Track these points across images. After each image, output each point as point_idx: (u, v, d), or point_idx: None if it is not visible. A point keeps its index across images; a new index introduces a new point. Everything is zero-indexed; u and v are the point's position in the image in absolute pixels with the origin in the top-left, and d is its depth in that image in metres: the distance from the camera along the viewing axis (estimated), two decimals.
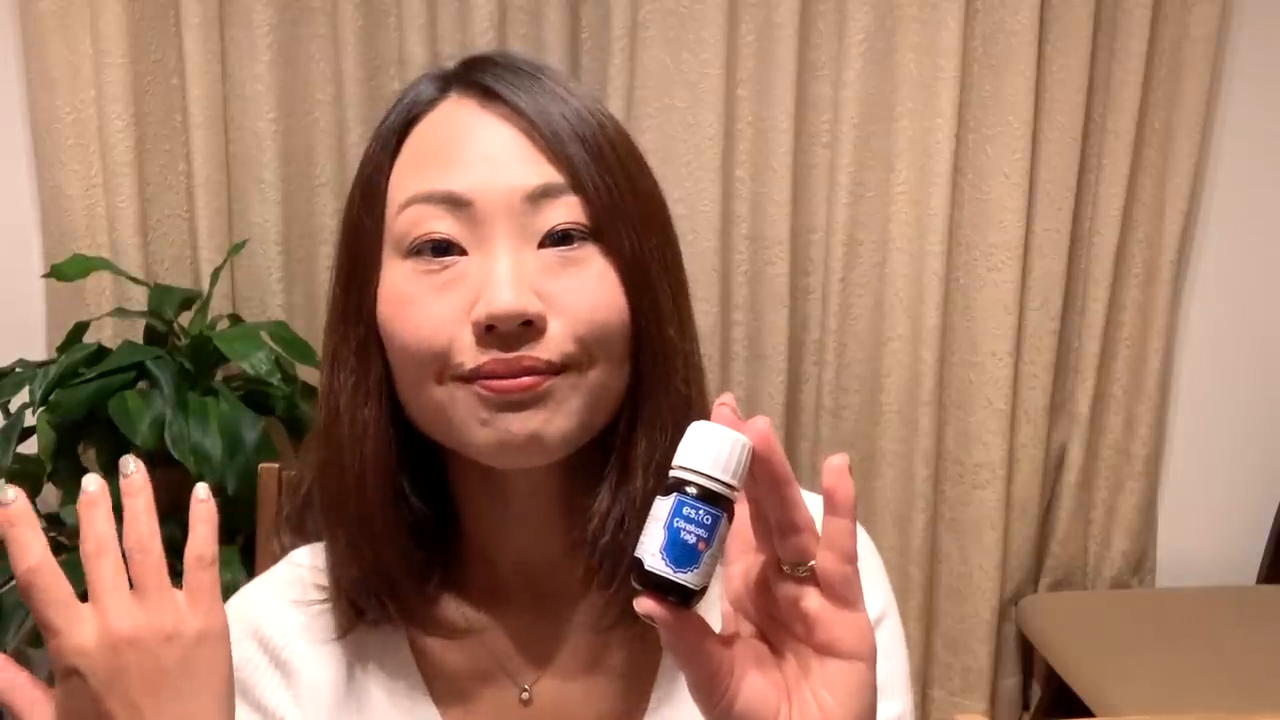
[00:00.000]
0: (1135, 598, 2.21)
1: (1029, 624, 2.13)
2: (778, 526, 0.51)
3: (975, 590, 2.19)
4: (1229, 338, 2.26)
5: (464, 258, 0.63)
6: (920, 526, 2.16)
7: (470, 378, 0.63)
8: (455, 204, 0.63)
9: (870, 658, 0.52)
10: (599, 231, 0.64)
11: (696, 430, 0.50)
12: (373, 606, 0.69)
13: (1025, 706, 2.32)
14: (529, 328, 0.62)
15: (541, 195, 0.63)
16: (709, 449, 0.50)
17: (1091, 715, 1.83)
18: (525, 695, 0.71)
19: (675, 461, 0.51)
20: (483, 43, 1.94)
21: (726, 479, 0.49)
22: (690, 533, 0.49)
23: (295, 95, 2.01)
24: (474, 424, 0.64)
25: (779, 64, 1.99)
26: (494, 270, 0.62)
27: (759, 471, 0.50)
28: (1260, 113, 2.17)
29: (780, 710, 0.52)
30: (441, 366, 0.63)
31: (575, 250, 0.64)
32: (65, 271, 1.85)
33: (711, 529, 0.49)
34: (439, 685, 0.71)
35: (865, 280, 2.13)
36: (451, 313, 0.63)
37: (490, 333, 0.62)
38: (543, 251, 0.63)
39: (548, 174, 0.64)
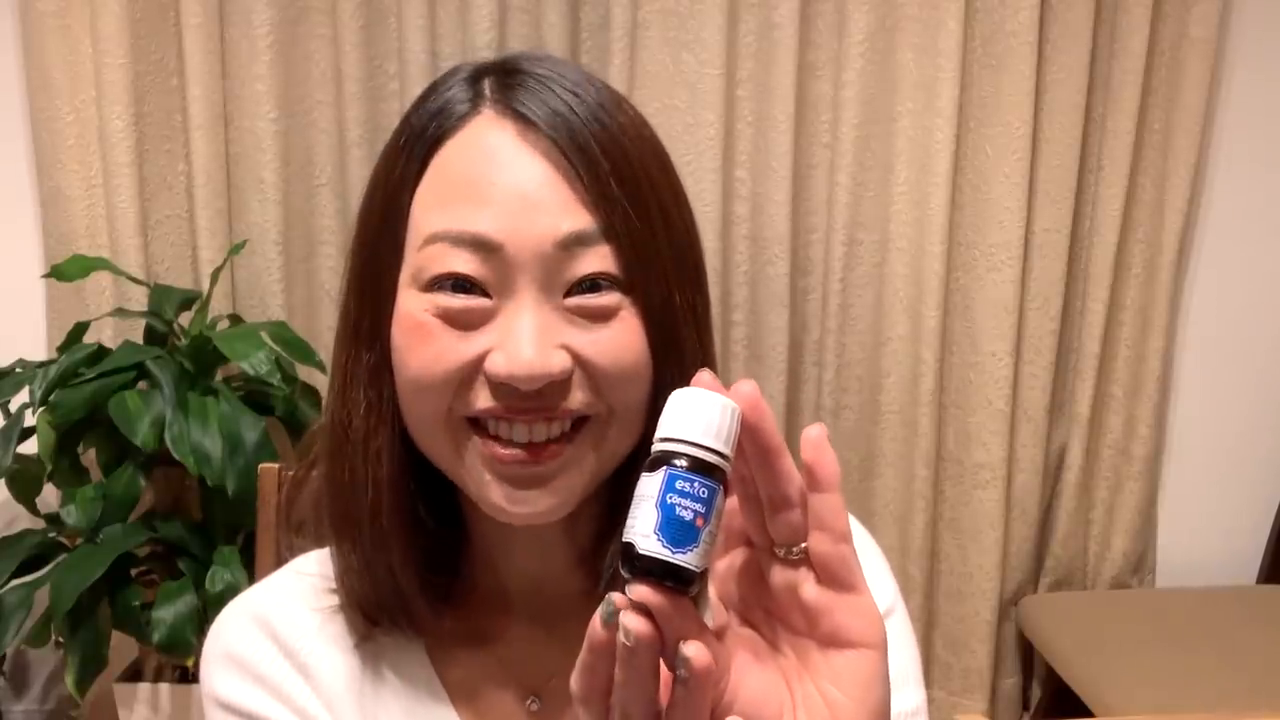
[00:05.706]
0: (1135, 598, 2.21)
1: (1029, 624, 2.13)
2: (769, 502, 0.47)
3: (975, 590, 2.19)
4: (1229, 338, 2.26)
5: (485, 299, 0.61)
6: (920, 526, 2.16)
7: (480, 421, 0.62)
8: (483, 247, 0.60)
9: (881, 645, 0.47)
10: (629, 282, 0.61)
11: (680, 398, 0.45)
12: (385, 620, 0.69)
13: (1025, 706, 2.32)
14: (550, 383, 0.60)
15: (575, 243, 0.60)
16: (697, 416, 0.45)
17: (1091, 715, 1.82)
18: (534, 706, 0.71)
19: (659, 434, 0.46)
20: (483, 43, 1.94)
21: (719, 447, 0.45)
22: (686, 508, 0.44)
23: (295, 95, 2.01)
24: (481, 484, 0.63)
25: (779, 64, 1.99)
26: (518, 325, 0.60)
27: (748, 441, 0.46)
28: (1260, 113, 2.17)
29: (784, 711, 0.48)
30: (452, 408, 0.62)
31: (602, 298, 0.61)
32: (65, 271, 1.86)
33: (709, 503, 0.44)
34: (455, 690, 0.71)
35: (865, 280, 2.13)
36: (469, 353, 0.61)
37: (505, 386, 0.60)
38: (568, 301, 0.61)
39: (583, 221, 0.60)
